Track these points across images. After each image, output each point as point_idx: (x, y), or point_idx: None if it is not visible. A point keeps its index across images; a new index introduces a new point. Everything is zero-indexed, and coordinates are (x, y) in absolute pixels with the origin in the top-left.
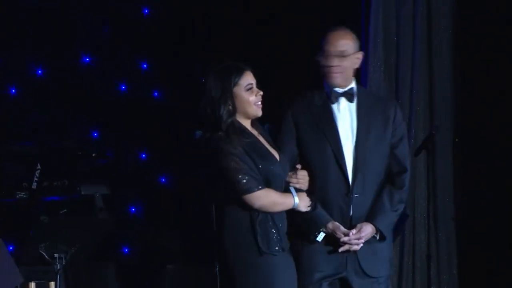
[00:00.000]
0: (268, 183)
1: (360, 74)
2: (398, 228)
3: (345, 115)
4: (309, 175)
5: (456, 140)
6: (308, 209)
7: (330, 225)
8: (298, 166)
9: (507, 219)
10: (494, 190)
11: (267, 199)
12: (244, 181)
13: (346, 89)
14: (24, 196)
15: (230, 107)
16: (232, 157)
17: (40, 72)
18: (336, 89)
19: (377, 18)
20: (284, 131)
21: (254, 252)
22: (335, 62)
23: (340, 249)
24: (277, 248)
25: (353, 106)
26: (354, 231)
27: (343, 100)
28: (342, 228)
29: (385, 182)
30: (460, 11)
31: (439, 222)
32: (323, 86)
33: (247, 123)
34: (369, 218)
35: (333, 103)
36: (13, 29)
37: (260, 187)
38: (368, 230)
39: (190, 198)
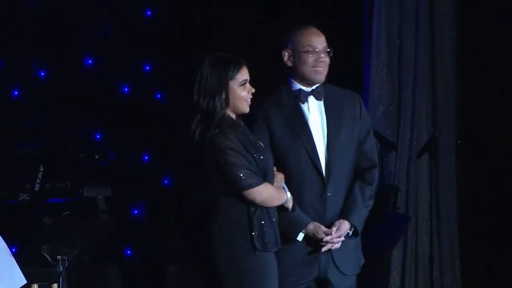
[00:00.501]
0: (265, 176)
1: (362, 75)
2: (400, 230)
3: (315, 115)
4: (285, 176)
5: (459, 142)
6: (292, 206)
7: (311, 226)
8: (274, 169)
9: (510, 221)
10: (497, 192)
11: (267, 193)
12: (246, 176)
13: (313, 87)
14: (27, 198)
15: (223, 100)
16: (232, 152)
17: (42, 73)
18: (304, 88)
19: (380, 20)
20: (257, 135)
21: (247, 249)
22: (324, 58)
23: (323, 249)
24: (271, 246)
25: (321, 104)
26: (334, 229)
27: (312, 99)
28: (323, 228)
29: (354, 178)
30: (462, 13)
31: (441, 224)
32: (288, 86)
33: (233, 117)
34: (344, 215)
35: (303, 103)
36: (15, 30)
37: (260, 181)
38: (346, 227)
39: (192, 200)
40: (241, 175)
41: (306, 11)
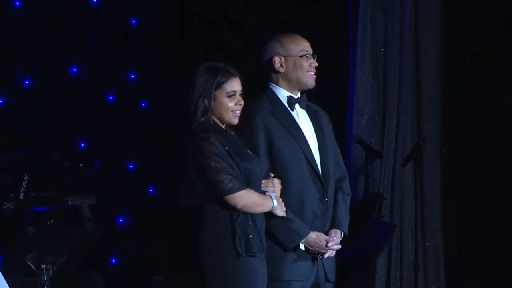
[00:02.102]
0: (248, 183)
1: (347, 84)
2: (385, 239)
3: (305, 122)
4: (284, 181)
5: (444, 150)
6: (284, 214)
7: (312, 235)
8: (271, 175)
9: (494, 229)
10: (482, 200)
11: (249, 199)
12: (227, 181)
13: (298, 95)
14: (11, 206)
15: (206, 106)
16: (214, 156)
17: (27, 82)
18: (294, 95)
19: (365, 29)
20: (257, 138)
21: (231, 255)
22: (315, 62)
23: (325, 255)
24: (255, 251)
25: (305, 112)
26: (333, 237)
27: (297, 106)
28: (324, 235)
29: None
30: (447, 22)
31: (427, 232)
32: (272, 92)
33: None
34: (336, 224)
35: (292, 110)
36: None
37: (242, 186)
38: (339, 235)
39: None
40: (222, 179)
41: (290, 20)
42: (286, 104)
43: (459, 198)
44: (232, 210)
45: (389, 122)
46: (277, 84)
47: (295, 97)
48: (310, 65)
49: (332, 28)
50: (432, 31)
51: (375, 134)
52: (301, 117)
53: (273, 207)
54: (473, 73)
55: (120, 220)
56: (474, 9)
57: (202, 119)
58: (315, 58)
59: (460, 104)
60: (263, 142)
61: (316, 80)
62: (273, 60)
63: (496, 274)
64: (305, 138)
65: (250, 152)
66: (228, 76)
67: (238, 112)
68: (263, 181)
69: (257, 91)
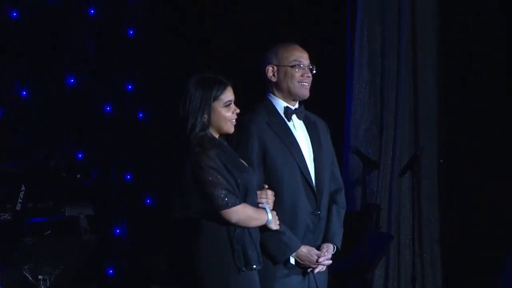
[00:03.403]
0: (245, 195)
1: (345, 94)
2: (383, 249)
3: (301, 133)
4: (277, 193)
5: (441, 161)
6: (278, 227)
7: (303, 249)
8: (265, 186)
9: (492, 240)
10: (479, 211)
11: (244, 213)
12: (222, 195)
13: (296, 106)
14: (8, 217)
15: (206, 120)
16: (211, 170)
17: (24, 93)
18: (290, 105)
19: (362, 39)
20: (251, 149)
21: (232, 270)
22: (309, 74)
23: (316, 270)
24: (254, 264)
25: (302, 123)
26: (324, 251)
27: (295, 117)
28: (315, 250)
29: (329, 200)
30: (445, 33)
31: (424, 243)
32: (269, 102)
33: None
34: (329, 238)
35: (289, 120)
36: None
37: (238, 201)
38: (331, 249)
39: (173, 219)
40: (218, 194)
41: (285, 30)
42: (283, 115)
43: (457, 208)
44: (227, 224)
45: (387, 132)
46: (273, 94)
47: (292, 108)
48: (302, 75)
49: (329, 38)
50: (429, 41)
51: (373, 144)
52: (298, 128)
53: (267, 220)
54: (472, 83)
55: (117, 230)
56: (472, 19)
57: (201, 133)
58: (313, 70)
59: (458, 114)
60: (257, 153)
61: (313, 90)
62: (266, 69)
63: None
64: (301, 150)
65: (245, 164)
66: (224, 86)
67: (234, 120)
68: (257, 192)
69: (254, 101)
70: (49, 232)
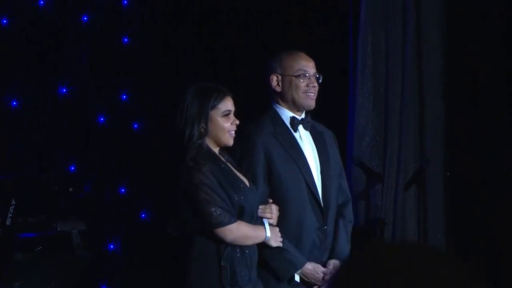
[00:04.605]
0: (240, 214)
1: (347, 104)
2: None
3: (308, 145)
4: (282, 207)
5: (448, 174)
6: (279, 244)
7: (309, 266)
8: (270, 201)
9: (500, 256)
10: (488, 227)
11: (239, 232)
12: (216, 214)
13: (303, 116)
14: None
15: (203, 129)
16: (204, 187)
17: (15, 103)
18: (297, 116)
19: (366, 47)
20: (256, 161)
21: None
22: (315, 83)
23: None
24: (242, 284)
25: (309, 134)
26: (331, 269)
27: (301, 128)
28: (321, 267)
29: (336, 214)
30: (452, 40)
31: None
32: (274, 112)
33: (216, 150)
34: (336, 254)
35: (295, 131)
36: None
37: (232, 220)
38: (338, 266)
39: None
40: (211, 212)
41: (285, 36)
42: (289, 125)
43: (465, 224)
44: (221, 243)
45: (391, 143)
46: (278, 103)
47: (299, 118)
48: (307, 85)
49: (330, 45)
50: (436, 49)
51: (376, 156)
52: (304, 139)
53: (266, 238)
54: (481, 92)
55: (111, 246)
56: (481, 24)
57: (197, 143)
58: (320, 79)
59: (465, 125)
60: (262, 165)
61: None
62: (271, 79)
63: None
64: (307, 162)
65: (245, 179)
66: (222, 96)
67: (234, 132)
68: (260, 207)
69: (255, 113)
70: (40, 248)
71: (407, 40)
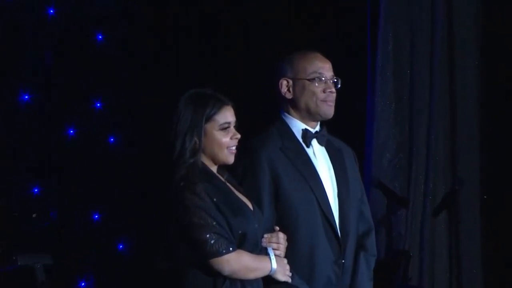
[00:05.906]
0: (241, 241)
1: (365, 114)
2: None
3: (323, 163)
4: (291, 237)
5: (485, 197)
6: (288, 279)
7: None
8: (277, 228)
9: None
10: None
11: (239, 264)
12: (212, 241)
13: (317, 128)
14: None
15: (196, 145)
16: (197, 210)
17: None
18: (310, 128)
19: (387, 45)
20: (260, 180)
21: None
22: (332, 88)
23: None
24: None
25: (325, 150)
26: None
27: (315, 142)
28: None
29: (356, 245)
30: (489, 39)
31: None
32: (283, 123)
33: (213, 168)
34: None
35: (308, 146)
36: None
37: (231, 248)
38: None
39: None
40: (206, 239)
41: (296, 35)
42: (300, 139)
43: (506, 258)
44: (218, 276)
45: (417, 161)
46: (288, 113)
47: (312, 130)
48: (323, 91)
49: (347, 46)
50: (469, 47)
51: (400, 177)
52: (319, 156)
53: (271, 270)
54: None
55: (83, 284)
56: None
57: (190, 161)
58: (338, 83)
59: (504, 140)
60: (267, 185)
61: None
62: (280, 84)
63: None
64: (322, 183)
65: (247, 202)
66: (220, 105)
67: (234, 148)
68: (265, 236)
69: (261, 122)
70: None
71: (436, 36)
